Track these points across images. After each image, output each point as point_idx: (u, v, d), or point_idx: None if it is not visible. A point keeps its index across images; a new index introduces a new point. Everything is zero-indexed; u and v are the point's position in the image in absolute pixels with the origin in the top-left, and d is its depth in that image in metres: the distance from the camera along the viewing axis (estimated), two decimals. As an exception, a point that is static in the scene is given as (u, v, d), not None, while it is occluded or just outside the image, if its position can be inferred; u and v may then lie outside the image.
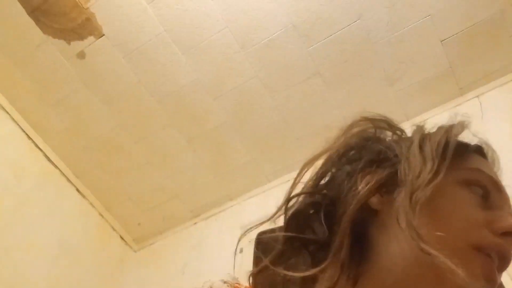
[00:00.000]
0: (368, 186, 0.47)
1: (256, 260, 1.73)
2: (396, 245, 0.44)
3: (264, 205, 1.94)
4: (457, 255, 0.39)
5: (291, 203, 0.55)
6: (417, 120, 1.82)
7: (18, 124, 1.93)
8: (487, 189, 0.47)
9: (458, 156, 0.50)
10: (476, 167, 0.49)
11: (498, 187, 0.48)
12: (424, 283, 0.42)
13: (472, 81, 1.76)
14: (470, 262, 0.41)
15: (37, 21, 1.78)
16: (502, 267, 0.44)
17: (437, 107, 1.81)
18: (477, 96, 1.75)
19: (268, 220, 0.53)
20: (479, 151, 0.54)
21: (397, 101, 1.82)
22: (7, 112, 1.91)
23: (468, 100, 1.77)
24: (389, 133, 0.55)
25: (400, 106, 1.83)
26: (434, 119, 1.84)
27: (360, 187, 0.47)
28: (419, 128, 0.54)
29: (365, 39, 1.71)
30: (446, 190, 0.45)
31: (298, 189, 0.53)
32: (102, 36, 1.79)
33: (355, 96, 1.83)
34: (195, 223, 2.14)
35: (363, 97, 1.83)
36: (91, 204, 2.10)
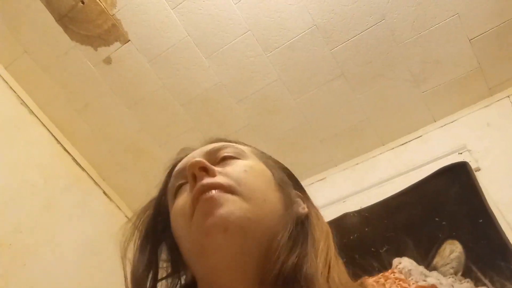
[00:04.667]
0: None
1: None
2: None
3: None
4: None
5: None
6: (445, 121, 1.78)
7: (47, 128, 1.98)
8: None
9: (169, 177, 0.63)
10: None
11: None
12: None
13: (502, 81, 1.71)
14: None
15: (65, 28, 1.83)
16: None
17: (466, 108, 1.76)
18: (508, 96, 1.70)
19: None
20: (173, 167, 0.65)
21: (424, 103, 1.78)
22: (37, 117, 1.96)
23: (498, 100, 1.71)
24: None
25: (426, 108, 1.79)
26: (463, 121, 1.80)
27: None
28: None
29: (390, 39, 1.68)
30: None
31: None
32: (127, 41, 1.82)
33: (380, 97, 1.80)
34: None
35: (388, 99, 1.80)
36: (117, 206, 2.13)
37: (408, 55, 1.70)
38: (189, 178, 0.52)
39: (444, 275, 1.35)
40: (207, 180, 0.51)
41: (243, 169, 0.54)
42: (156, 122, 1.98)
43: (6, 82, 1.91)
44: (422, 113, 1.80)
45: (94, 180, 2.08)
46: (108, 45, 1.84)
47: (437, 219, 1.49)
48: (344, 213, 1.70)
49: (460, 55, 1.67)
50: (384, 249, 1.52)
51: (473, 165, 1.55)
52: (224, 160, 0.57)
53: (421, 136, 1.81)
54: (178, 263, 0.59)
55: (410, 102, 1.79)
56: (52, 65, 1.91)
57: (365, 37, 1.69)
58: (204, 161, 0.53)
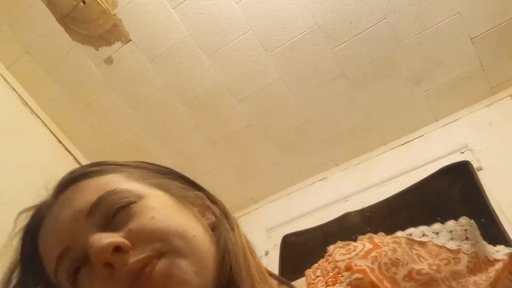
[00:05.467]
0: None
1: (282, 263, 1.72)
2: None
3: (289, 208, 1.93)
4: None
5: None
6: (447, 121, 1.78)
7: (49, 129, 1.99)
8: None
9: None
10: None
11: None
12: None
13: (504, 80, 1.70)
14: None
15: (67, 28, 1.83)
16: None
17: (468, 108, 1.76)
18: (510, 95, 1.69)
19: None
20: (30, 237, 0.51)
21: (425, 102, 1.78)
22: (39, 117, 1.97)
23: (500, 99, 1.71)
24: None
25: (428, 107, 1.78)
26: (464, 120, 1.80)
27: None
28: None
29: (391, 38, 1.68)
30: None
31: None
32: (129, 41, 1.82)
33: (381, 97, 1.79)
34: (221, 226, 2.15)
35: (390, 98, 1.79)
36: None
37: (409, 55, 1.70)
38: (99, 269, 0.41)
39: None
40: (133, 260, 0.41)
41: (150, 216, 0.44)
42: (158, 122, 1.99)
43: (8, 83, 1.91)
44: (423, 113, 1.80)
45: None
46: (110, 45, 1.84)
47: (439, 218, 1.48)
48: (345, 213, 1.69)
49: (462, 54, 1.67)
50: (386, 248, 1.52)
51: (475, 165, 1.55)
52: (116, 216, 0.44)
53: (422, 135, 1.80)
54: None
55: (411, 102, 1.79)
56: (53, 65, 1.92)
57: (366, 36, 1.69)
58: (112, 242, 0.41)
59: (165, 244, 0.43)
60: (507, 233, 1.35)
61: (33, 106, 1.97)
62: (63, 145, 2.02)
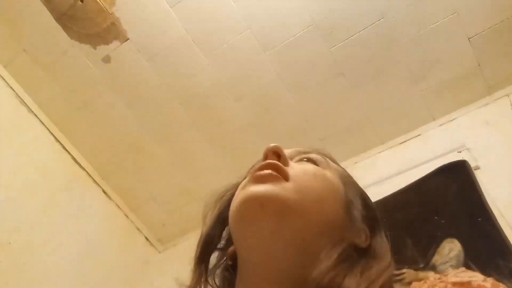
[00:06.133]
0: None
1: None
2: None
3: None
4: None
5: None
6: (444, 120, 1.78)
7: (46, 127, 1.98)
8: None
9: None
10: None
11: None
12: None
13: (501, 80, 1.70)
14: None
15: (64, 26, 1.83)
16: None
17: (465, 107, 1.76)
18: (507, 95, 1.70)
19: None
20: None
21: (423, 101, 1.78)
22: (36, 116, 1.96)
23: (498, 99, 1.71)
24: None
25: (425, 106, 1.79)
26: (462, 119, 1.80)
27: None
28: None
29: (389, 37, 1.68)
30: None
31: None
32: (126, 40, 1.82)
33: (379, 96, 1.80)
34: (218, 224, 2.15)
35: (388, 97, 1.80)
36: (116, 205, 2.14)
37: (407, 54, 1.70)
38: (263, 158, 0.55)
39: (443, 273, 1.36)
40: (270, 161, 0.52)
41: (313, 171, 0.55)
42: (155, 121, 1.98)
43: (5, 81, 1.91)
44: (421, 112, 1.80)
45: (94, 179, 2.08)
46: (107, 44, 1.84)
47: (436, 217, 1.49)
48: (343, 212, 1.70)
49: (459, 54, 1.67)
50: (383, 247, 1.52)
51: (472, 164, 1.55)
52: (305, 161, 0.58)
53: (420, 134, 1.81)
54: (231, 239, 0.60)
55: (409, 101, 1.79)
56: (51, 64, 1.91)
57: (364, 35, 1.69)
58: (281, 148, 0.55)
59: (295, 181, 0.51)
60: (503, 232, 1.35)
61: (31, 105, 1.96)
62: (61, 144, 2.01)
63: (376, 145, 1.88)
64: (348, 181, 0.60)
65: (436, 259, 1.40)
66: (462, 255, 1.37)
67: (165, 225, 2.21)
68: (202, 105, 1.91)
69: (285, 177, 0.51)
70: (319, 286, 0.44)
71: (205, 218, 0.64)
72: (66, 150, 2.03)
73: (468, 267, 1.33)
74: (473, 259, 1.34)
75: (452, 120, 1.76)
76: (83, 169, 2.06)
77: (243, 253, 0.52)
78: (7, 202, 1.70)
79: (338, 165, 0.65)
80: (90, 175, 2.08)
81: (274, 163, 0.52)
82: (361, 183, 1.91)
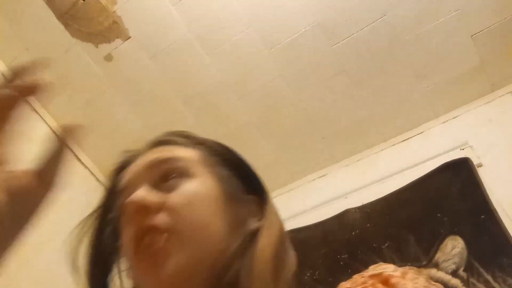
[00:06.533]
0: None
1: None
2: None
3: (289, 204, 1.93)
4: None
5: None
6: (447, 117, 1.78)
7: (49, 126, 1.99)
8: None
9: None
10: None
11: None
12: None
13: (504, 77, 1.70)
14: None
15: (66, 25, 1.83)
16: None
17: (468, 104, 1.75)
18: (510, 92, 1.69)
19: None
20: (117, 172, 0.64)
21: (426, 99, 1.78)
22: (39, 114, 1.97)
23: (500, 96, 1.71)
24: None
25: (428, 104, 1.78)
26: (464, 117, 1.80)
27: None
28: None
29: (392, 35, 1.68)
30: None
31: None
32: (128, 38, 1.82)
33: (382, 93, 1.79)
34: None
35: (390, 95, 1.79)
36: (119, 203, 2.14)
37: (409, 51, 1.70)
38: (130, 220, 0.50)
39: (446, 271, 1.36)
40: (144, 225, 0.49)
41: (186, 200, 0.51)
42: (158, 119, 1.99)
43: (8, 80, 1.91)
44: (424, 109, 1.80)
45: (97, 178, 2.09)
46: (109, 42, 1.84)
47: (439, 215, 1.49)
48: (345, 209, 1.70)
49: (462, 51, 1.67)
50: (386, 245, 1.52)
51: (475, 161, 1.55)
52: (168, 180, 0.53)
53: (422, 132, 1.80)
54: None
55: (411, 98, 1.79)
56: (53, 63, 1.91)
57: (366, 33, 1.68)
58: (143, 201, 0.49)
59: (180, 230, 0.48)
60: (506, 229, 1.35)
61: (33, 103, 1.96)
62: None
63: (378, 142, 1.88)
64: (213, 164, 0.57)
65: (439, 256, 1.40)
66: (465, 252, 1.37)
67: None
68: (204, 103, 1.91)
69: (170, 234, 0.48)
70: (223, 280, 0.47)
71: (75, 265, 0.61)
72: (69, 149, 2.03)
73: (471, 264, 1.33)
74: (476, 256, 1.34)
75: (454, 117, 1.76)
76: (86, 167, 2.06)
77: None
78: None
79: (194, 143, 0.62)
80: (93, 174, 2.08)
81: (148, 228, 0.49)
82: (364, 180, 1.90)
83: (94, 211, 0.63)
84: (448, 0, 1.59)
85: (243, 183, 0.58)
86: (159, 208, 0.50)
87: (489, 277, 1.27)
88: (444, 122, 1.77)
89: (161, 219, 0.49)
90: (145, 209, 0.49)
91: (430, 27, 1.64)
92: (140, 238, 0.49)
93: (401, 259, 1.46)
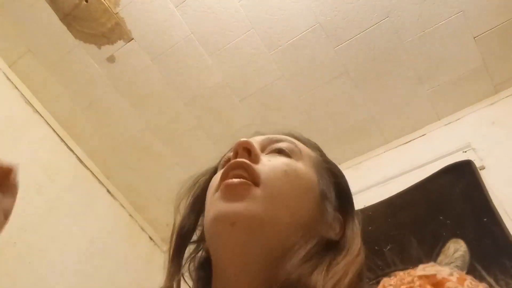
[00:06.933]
0: None
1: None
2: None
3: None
4: None
5: None
6: (449, 120, 1.77)
7: (51, 127, 1.99)
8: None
9: None
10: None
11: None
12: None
13: (507, 79, 1.70)
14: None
15: (69, 26, 1.84)
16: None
17: (470, 106, 1.75)
18: (513, 94, 1.69)
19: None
20: None
21: (428, 100, 1.77)
22: (41, 116, 1.97)
23: (503, 98, 1.70)
24: None
25: (431, 106, 1.78)
26: (467, 119, 1.79)
27: None
28: None
29: (394, 37, 1.67)
30: None
31: None
32: (131, 40, 1.82)
33: (384, 95, 1.79)
34: (222, 224, 2.15)
35: (392, 97, 1.79)
36: (121, 205, 2.14)
37: (412, 53, 1.69)
38: (233, 153, 0.54)
39: (448, 273, 1.35)
40: (243, 160, 0.52)
41: (284, 169, 0.53)
42: (160, 121, 1.99)
43: (10, 81, 1.92)
44: (426, 111, 1.79)
45: (98, 179, 2.09)
46: (112, 44, 1.84)
47: (441, 217, 1.48)
48: (347, 212, 1.69)
49: (465, 53, 1.66)
50: (388, 247, 1.52)
51: (477, 164, 1.55)
52: (276, 152, 0.57)
53: (425, 134, 1.80)
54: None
55: (414, 100, 1.78)
56: (56, 64, 1.92)
57: (369, 35, 1.68)
58: (253, 144, 0.54)
59: (266, 185, 0.50)
60: (509, 232, 1.34)
61: (36, 105, 1.97)
62: (66, 144, 2.02)
63: (380, 144, 1.88)
64: (322, 169, 0.60)
65: (441, 259, 1.39)
66: (467, 255, 1.37)
67: (169, 224, 2.21)
68: (206, 105, 1.91)
69: (255, 181, 0.50)
70: (287, 283, 0.46)
71: (178, 208, 0.64)
72: (71, 150, 2.03)
73: (473, 267, 1.32)
74: (479, 259, 1.33)
75: (457, 119, 1.75)
76: (88, 168, 2.07)
77: (216, 260, 0.53)
78: (13, 202, 1.71)
79: (312, 146, 0.65)
80: (94, 175, 2.08)
81: (244, 163, 0.51)
82: (366, 183, 1.90)
83: (209, 168, 0.65)
84: (451, 1, 1.59)
85: (336, 200, 0.59)
86: (260, 161, 0.53)
87: (491, 280, 1.26)
88: (446, 124, 1.77)
89: (258, 167, 0.52)
90: (249, 152, 0.53)
91: (432, 28, 1.64)
92: (233, 170, 0.51)
93: (403, 262, 1.45)
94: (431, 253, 1.42)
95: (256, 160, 0.53)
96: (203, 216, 0.57)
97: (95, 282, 1.83)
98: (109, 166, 2.12)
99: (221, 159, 0.63)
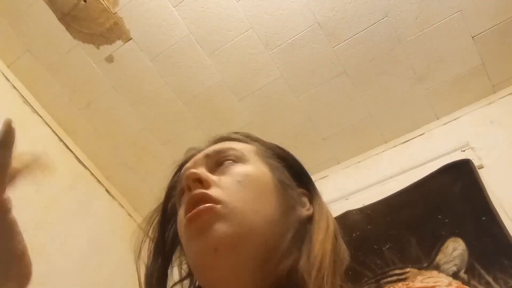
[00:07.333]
0: None
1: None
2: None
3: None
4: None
5: None
6: (448, 119, 1.77)
7: (50, 127, 1.99)
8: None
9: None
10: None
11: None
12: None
13: (505, 78, 1.70)
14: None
15: (67, 26, 1.83)
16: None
17: (469, 106, 1.75)
18: (511, 94, 1.69)
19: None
20: (179, 168, 0.68)
21: (427, 100, 1.77)
22: (40, 116, 1.97)
23: (502, 97, 1.70)
24: None
25: (429, 105, 1.78)
26: (466, 118, 1.80)
27: None
28: None
29: (393, 36, 1.67)
30: None
31: None
32: (129, 40, 1.82)
33: (382, 95, 1.79)
34: (222, 224, 2.15)
35: (391, 96, 1.79)
36: (120, 204, 2.14)
37: (411, 53, 1.69)
38: (185, 189, 0.54)
39: (447, 273, 1.35)
40: (197, 192, 0.52)
41: (238, 179, 0.54)
42: (159, 120, 1.99)
43: (9, 81, 1.92)
44: (425, 111, 1.79)
45: (97, 179, 2.09)
46: (110, 43, 1.84)
47: (440, 216, 1.49)
48: (346, 211, 1.69)
49: (463, 52, 1.67)
50: (387, 246, 1.52)
51: (476, 163, 1.55)
52: (223, 164, 0.57)
53: (424, 133, 1.80)
54: None
55: (413, 100, 1.78)
56: (54, 64, 1.92)
57: (367, 34, 1.68)
58: (200, 173, 0.53)
59: (229, 203, 0.51)
60: (508, 231, 1.35)
61: (34, 105, 1.97)
62: (64, 144, 2.02)
63: (379, 144, 1.88)
64: (267, 157, 0.61)
65: (440, 258, 1.40)
66: (466, 254, 1.37)
67: (169, 224, 2.22)
68: (205, 105, 1.91)
69: (216, 202, 0.51)
70: (278, 280, 0.48)
71: (138, 259, 0.63)
72: (70, 150, 2.03)
73: (472, 266, 1.33)
74: (477, 258, 1.34)
75: (456, 119, 1.76)
76: (87, 168, 2.06)
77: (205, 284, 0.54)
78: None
79: (248, 139, 0.66)
80: (93, 175, 2.08)
81: (203, 195, 0.51)
82: (365, 182, 1.90)
83: (159, 205, 0.66)
84: (450, 1, 1.59)
85: (293, 178, 0.61)
86: (213, 184, 0.53)
87: (490, 279, 1.26)
88: (445, 124, 1.77)
89: (213, 191, 0.52)
90: (200, 181, 0.53)
91: (431, 28, 1.64)
92: (193, 206, 0.51)
93: (402, 261, 1.45)
94: (429, 252, 1.43)
95: (208, 185, 0.53)
96: (168, 256, 0.60)
97: (94, 281, 1.83)
98: (108, 165, 2.12)
99: (167, 189, 0.66)
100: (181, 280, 0.61)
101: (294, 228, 0.52)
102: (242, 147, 0.61)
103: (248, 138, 0.66)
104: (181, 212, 0.55)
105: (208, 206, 0.50)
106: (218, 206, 0.50)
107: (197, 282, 0.60)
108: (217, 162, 0.58)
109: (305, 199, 0.59)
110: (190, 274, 0.61)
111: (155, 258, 0.61)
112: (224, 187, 0.53)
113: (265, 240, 0.50)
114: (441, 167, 1.60)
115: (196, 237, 0.50)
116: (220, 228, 0.49)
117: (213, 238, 0.48)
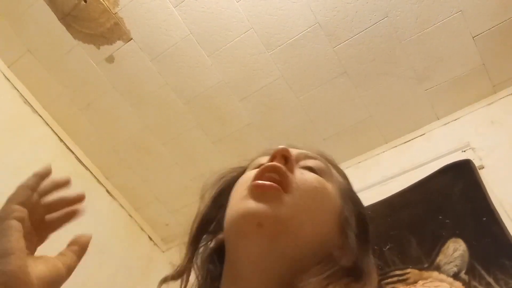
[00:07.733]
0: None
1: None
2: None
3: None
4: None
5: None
6: (448, 119, 1.77)
7: (50, 127, 1.99)
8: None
9: None
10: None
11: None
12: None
13: (506, 78, 1.70)
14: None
15: (68, 26, 1.83)
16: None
17: (469, 106, 1.75)
18: (512, 94, 1.69)
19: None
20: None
21: (427, 100, 1.77)
22: (40, 116, 1.97)
23: (502, 98, 1.70)
24: None
25: (430, 105, 1.78)
26: (466, 118, 1.80)
27: None
28: None
29: (393, 37, 1.67)
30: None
31: None
32: (130, 40, 1.82)
33: (383, 95, 1.79)
34: (222, 224, 2.15)
35: (391, 97, 1.79)
36: (120, 204, 2.14)
37: (411, 53, 1.69)
38: (270, 157, 0.55)
39: (448, 273, 1.35)
40: (279, 165, 0.52)
41: (315, 184, 0.54)
42: (159, 121, 1.99)
43: (9, 81, 1.92)
44: (425, 111, 1.79)
45: (97, 179, 2.09)
46: (111, 44, 1.84)
47: (440, 217, 1.48)
48: (347, 211, 1.69)
49: (464, 53, 1.67)
50: (388, 247, 1.52)
51: (476, 163, 1.55)
52: (308, 169, 0.57)
53: (424, 134, 1.80)
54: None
55: (413, 100, 1.78)
56: (55, 64, 1.92)
57: (368, 34, 1.68)
58: (290, 152, 0.54)
59: (297, 195, 0.51)
60: (508, 231, 1.34)
61: (35, 105, 1.97)
62: (65, 144, 2.02)
63: (380, 144, 1.88)
64: (347, 196, 0.60)
65: (441, 258, 1.40)
66: (466, 255, 1.37)
67: (169, 224, 2.22)
68: (205, 105, 1.91)
69: (286, 188, 0.51)
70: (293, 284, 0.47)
71: (203, 197, 0.65)
72: (70, 150, 2.03)
73: (472, 266, 1.33)
74: (478, 259, 1.33)
75: (456, 119, 1.76)
76: (87, 168, 2.06)
77: (233, 257, 0.53)
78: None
79: (341, 172, 0.65)
80: (94, 175, 2.08)
81: (279, 168, 0.52)
82: (365, 182, 1.90)
83: (231, 171, 0.66)
84: (450, 1, 1.59)
85: (357, 230, 0.58)
86: (295, 173, 0.53)
87: (490, 280, 1.26)
88: (445, 124, 1.77)
89: (292, 177, 0.52)
90: (287, 160, 0.53)
91: (431, 28, 1.64)
92: (267, 173, 0.51)
93: (403, 261, 1.45)
94: (430, 252, 1.42)
95: (291, 168, 0.53)
96: (222, 211, 0.57)
97: (94, 282, 1.83)
98: (108, 166, 2.12)
99: (252, 161, 0.65)
100: (209, 233, 0.62)
101: (329, 264, 0.51)
102: (334, 171, 0.61)
103: (341, 173, 0.67)
104: (250, 173, 0.55)
105: (277, 188, 0.50)
106: (285, 194, 0.50)
107: (213, 242, 0.61)
108: (306, 165, 0.58)
109: (353, 252, 0.55)
110: (214, 232, 0.61)
111: (213, 205, 0.63)
112: (300, 180, 0.53)
113: (301, 249, 0.50)
114: (441, 168, 1.60)
115: (250, 201, 0.49)
116: (277, 209, 0.48)
117: (263, 212, 0.48)
